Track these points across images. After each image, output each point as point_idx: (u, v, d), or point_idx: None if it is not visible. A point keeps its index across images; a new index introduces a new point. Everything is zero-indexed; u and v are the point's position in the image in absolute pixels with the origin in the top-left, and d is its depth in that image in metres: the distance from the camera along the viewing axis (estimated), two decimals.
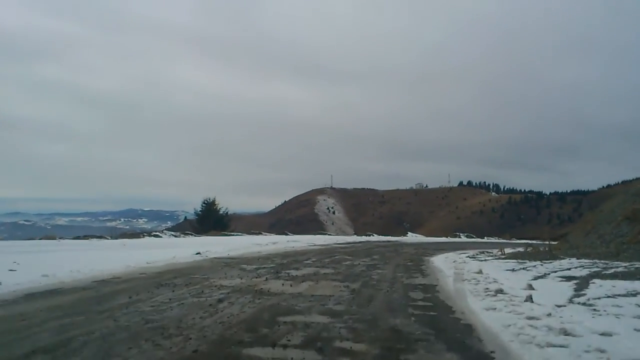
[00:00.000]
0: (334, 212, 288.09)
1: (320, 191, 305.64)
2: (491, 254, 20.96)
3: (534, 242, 33.40)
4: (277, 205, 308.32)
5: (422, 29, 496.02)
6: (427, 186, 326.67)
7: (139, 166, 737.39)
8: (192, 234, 35.87)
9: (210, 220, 44.98)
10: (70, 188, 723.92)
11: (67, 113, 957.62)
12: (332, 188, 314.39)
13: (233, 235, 36.03)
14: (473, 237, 57.68)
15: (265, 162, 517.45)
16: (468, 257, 19.39)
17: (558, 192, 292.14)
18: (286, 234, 41.97)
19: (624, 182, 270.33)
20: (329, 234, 53.82)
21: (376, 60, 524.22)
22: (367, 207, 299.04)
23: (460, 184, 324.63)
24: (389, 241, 36.98)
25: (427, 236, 56.55)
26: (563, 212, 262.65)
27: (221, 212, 47.06)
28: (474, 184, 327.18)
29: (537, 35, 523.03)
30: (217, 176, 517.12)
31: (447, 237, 53.77)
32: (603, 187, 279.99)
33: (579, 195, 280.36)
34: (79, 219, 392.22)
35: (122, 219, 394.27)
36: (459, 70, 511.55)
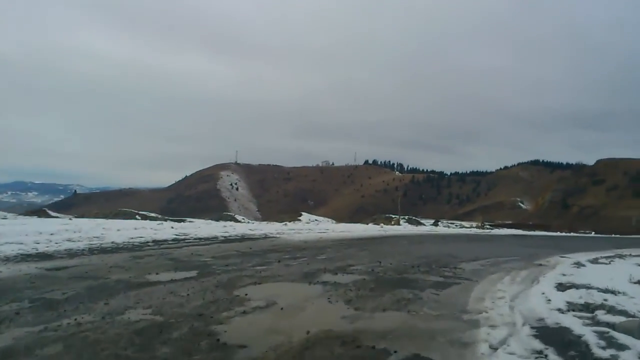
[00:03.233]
0: (237, 189, 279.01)
1: (224, 166, 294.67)
2: None
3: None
4: (177, 181, 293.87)
5: (340, 11, 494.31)
6: (333, 164, 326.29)
7: (32, 136, 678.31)
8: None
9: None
10: None
11: None
12: (236, 164, 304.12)
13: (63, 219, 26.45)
14: (453, 226, 36.30)
15: (171, 136, 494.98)
16: None
17: (459, 172, 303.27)
18: (181, 221, 27.33)
19: (519, 164, 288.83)
20: (240, 220, 36.65)
21: (293, 38, 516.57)
22: (272, 184, 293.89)
23: (366, 162, 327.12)
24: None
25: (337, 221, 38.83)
26: (462, 192, 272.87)
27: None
28: (379, 163, 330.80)
29: (451, 21, 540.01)
30: (120, 149, 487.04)
31: (388, 225, 30.50)
32: (500, 168, 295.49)
33: (478, 176, 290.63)
34: None
35: (9, 192, 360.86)
36: (370, 53, 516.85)
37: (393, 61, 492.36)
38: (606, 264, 11.71)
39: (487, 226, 28.18)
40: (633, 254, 15.02)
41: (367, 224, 28.29)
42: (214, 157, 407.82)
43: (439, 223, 32.99)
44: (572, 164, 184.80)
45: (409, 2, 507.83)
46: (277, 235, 16.92)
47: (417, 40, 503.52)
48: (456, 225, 30.67)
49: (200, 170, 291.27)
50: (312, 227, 21.56)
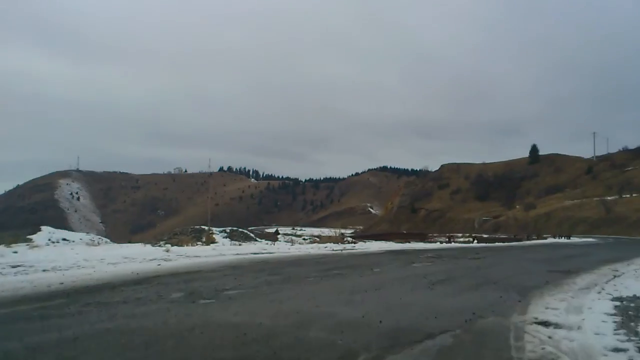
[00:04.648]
0: (78, 198, 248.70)
1: (64, 174, 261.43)
2: None
3: None
4: (6, 190, 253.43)
5: (192, 18, 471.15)
6: (186, 171, 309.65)
7: None
8: None
9: None
10: None
11: None
12: (78, 171, 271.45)
13: None
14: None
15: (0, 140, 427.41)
16: None
17: (313, 179, 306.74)
18: None
19: (369, 171, 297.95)
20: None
21: (145, 42, 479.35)
22: (118, 193, 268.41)
23: (221, 169, 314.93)
24: None
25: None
26: (317, 199, 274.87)
27: None
28: (234, 170, 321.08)
29: (299, 33, 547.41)
30: None
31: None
32: (352, 175, 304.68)
33: (331, 182, 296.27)
34: None
35: None
36: (224, 62, 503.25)
37: (247, 70, 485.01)
38: None
39: (348, 239, 19.73)
40: None
41: (156, 244, 15.36)
42: (52, 164, 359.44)
43: (280, 236, 22.46)
44: (418, 170, 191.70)
45: (259, 14, 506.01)
46: None
47: (269, 50, 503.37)
48: (305, 239, 21.23)
49: (35, 179, 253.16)
50: None
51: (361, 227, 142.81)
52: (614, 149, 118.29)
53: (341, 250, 15.40)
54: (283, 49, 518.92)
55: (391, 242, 19.52)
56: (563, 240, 34.19)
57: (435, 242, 22.69)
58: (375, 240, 19.91)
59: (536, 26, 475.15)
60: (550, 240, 33.04)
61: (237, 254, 12.69)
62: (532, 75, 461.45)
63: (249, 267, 10.16)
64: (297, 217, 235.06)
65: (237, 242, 15.51)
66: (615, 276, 9.98)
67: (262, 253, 13.33)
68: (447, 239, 24.57)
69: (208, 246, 14.39)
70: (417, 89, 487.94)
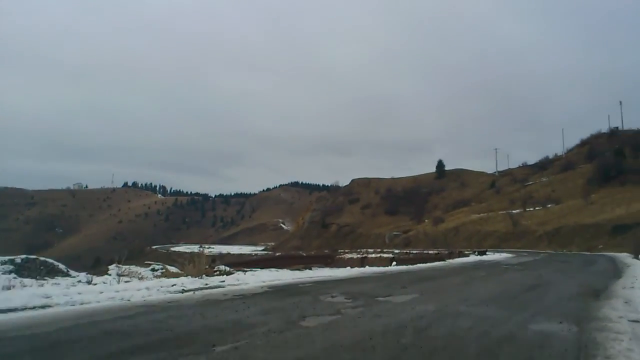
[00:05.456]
0: None
1: None
2: None
3: None
4: None
5: (89, 23, 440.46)
6: (87, 187, 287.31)
7: None
8: None
9: None
10: None
11: None
12: None
13: None
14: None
15: None
16: None
17: (223, 194, 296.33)
18: None
19: (281, 186, 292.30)
20: None
21: (40, 47, 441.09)
22: (10, 210, 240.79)
23: (125, 185, 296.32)
24: None
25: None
26: (227, 215, 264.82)
27: None
28: (140, 186, 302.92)
29: (209, 47, 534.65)
30: None
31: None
32: (263, 190, 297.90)
33: (242, 198, 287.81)
34: None
35: None
36: (131, 70, 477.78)
37: (156, 84, 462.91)
38: None
39: (222, 268, 12.89)
40: None
41: None
42: None
43: (115, 267, 13.88)
44: (329, 185, 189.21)
45: (168, 27, 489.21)
46: None
47: (179, 64, 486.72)
48: (156, 269, 14.01)
49: None
50: None
51: (272, 244, 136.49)
52: (514, 164, 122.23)
53: (193, 291, 9.21)
54: (193, 63, 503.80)
55: (285, 270, 13.75)
56: (485, 257, 30.36)
57: (345, 266, 17.12)
58: (263, 268, 13.89)
59: (443, 52, 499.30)
60: (472, 258, 28.92)
61: None
62: (437, 96, 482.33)
63: None
64: (207, 234, 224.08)
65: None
66: None
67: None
68: (360, 260, 19.25)
69: None
70: (327, 107, 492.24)
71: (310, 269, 14.68)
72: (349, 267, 16.54)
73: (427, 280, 13.25)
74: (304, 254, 31.89)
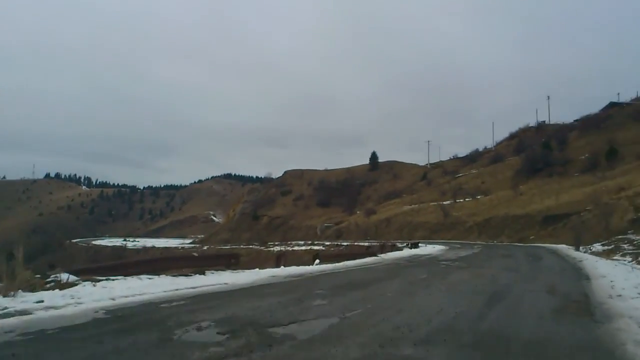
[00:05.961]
0: None
1: None
2: None
3: None
4: None
5: (7, 1, 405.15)
6: (5, 178, 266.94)
7: None
8: None
9: None
10: None
11: None
12: None
13: None
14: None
15: None
16: None
17: (152, 186, 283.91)
18: None
19: (213, 178, 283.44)
20: None
21: None
22: None
23: (47, 176, 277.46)
24: None
25: None
26: (156, 207, 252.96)
27: None
28: (63, 177, 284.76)
29: (142, 35, 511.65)
30: None
31: None
32: (194, 182, 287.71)
33: (172, 190, 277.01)
34: None
35: None
36: (56, 56, 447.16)
37: (83, 71, 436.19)
38: None
39: (53, 281, 9.60)
40: None
41: None
42: None
43: None
44: (262, 177, 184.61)
45: (100, 13, 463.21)
46: None
47: (109, 52, 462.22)
48: None
49: None
50: None
51: (202, 236, 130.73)
52: (445, 157, 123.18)
53: None
54: (124, 47, 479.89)
55: (164, 277, 10.04)
56: (418, 251, 27.82)
57: (255, 267, 13.48)
58: (141, 272, 9.79)
59: (377, 45, 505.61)
60: (406, 252, 26.21)
61: None
62: (371, 89, 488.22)
63: None
64: (134, 227, 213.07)
65: None
66: None
67: None
68: (275, 259, 15.61)
69: None
70: (262, 98, 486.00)
71: (203, 274, 10.95)
72: (257, 269, 12.94)
73: (354, 288, 9.92)
74: (195, 254, 27.42)
